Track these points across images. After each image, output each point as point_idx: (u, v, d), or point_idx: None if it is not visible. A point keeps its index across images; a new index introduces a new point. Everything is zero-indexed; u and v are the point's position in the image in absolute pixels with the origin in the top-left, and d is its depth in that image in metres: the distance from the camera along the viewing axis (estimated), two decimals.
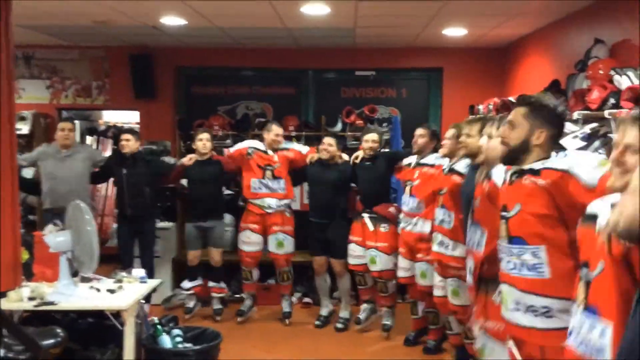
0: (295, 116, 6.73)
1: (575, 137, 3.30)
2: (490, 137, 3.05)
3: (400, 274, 4.88)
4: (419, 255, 4.58)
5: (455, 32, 5.83)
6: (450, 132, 4.17)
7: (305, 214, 5.61)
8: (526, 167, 2.43)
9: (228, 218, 6.18)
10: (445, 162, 4.25)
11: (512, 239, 2.45)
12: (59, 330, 2.69)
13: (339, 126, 6.61)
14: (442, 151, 4.30)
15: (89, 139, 7.55)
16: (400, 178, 5.06)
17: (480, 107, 5.75)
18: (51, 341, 2.59)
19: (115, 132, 7.50)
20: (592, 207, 1.86)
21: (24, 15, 4.94)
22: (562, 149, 2.46)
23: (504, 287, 2.54)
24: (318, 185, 5.40)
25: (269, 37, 6.21)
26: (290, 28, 5.70)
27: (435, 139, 4.76)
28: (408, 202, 4.69)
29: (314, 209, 5.45)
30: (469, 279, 3.25)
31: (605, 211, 1.74)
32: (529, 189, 2.38)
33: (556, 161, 2.35)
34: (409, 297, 5.10)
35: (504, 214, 2.52)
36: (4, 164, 3.40)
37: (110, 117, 8.21)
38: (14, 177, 3.48)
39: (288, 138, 6.34)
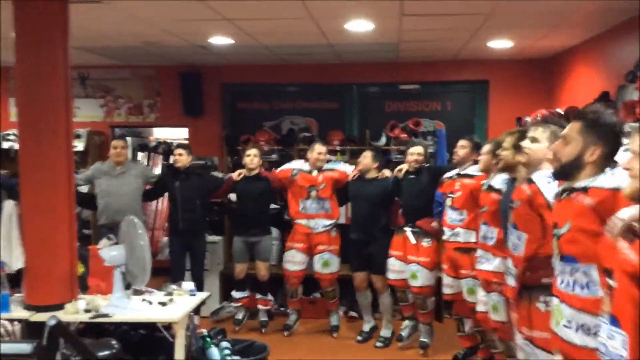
0: (339, 131, 6.77)
1: (627, 149, 3.23)
2: (534, 140, 3.03)
3: (446, 291, 4.80)
4: (463, 272, 4.53)
5: (500, 44, 5.78)
6: (486, 148, 4.19)
7: (349, 227, 5.61)
8: (576, 185, 2.38)
9: (274, 232, 6.27)
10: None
11: (564, 257, 2.41)
12: (114, 342, 2.78)
13: (383, 140, 6.59)
14: (478, 167, 4.35)
15: (140, 155, 7.79)
16: (442, 191, 5.03)
17: (528, 119, 5.67)
18: (107, 352, 2.68)
19: (166, 149, 7.72)
20: (622, 214, 1.86)
21: (79, 37, 5.16)
22: (616, 164, 2.40)
23: (555, 302, 2.49)
24: (358, 200, 5.40)
25: (312, 53, 6.29)
26: (334, 44, 5.77)
27: (477, 151, 4.71)
28: (450, 214, 4.66)
29: (355, 224, 5.44)
30: (510, 281, 3.22)
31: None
32: (578, 207, 2.34)
33: (605, 179, 2.30)
34: (454, 314, 4.97)
35: (555, 231, 2.48)
36: (61, 179, 3.57)
37: (161, 133, 8.46)
38: (70, 192, 3.64)
39: (333, 152, 6.39)
